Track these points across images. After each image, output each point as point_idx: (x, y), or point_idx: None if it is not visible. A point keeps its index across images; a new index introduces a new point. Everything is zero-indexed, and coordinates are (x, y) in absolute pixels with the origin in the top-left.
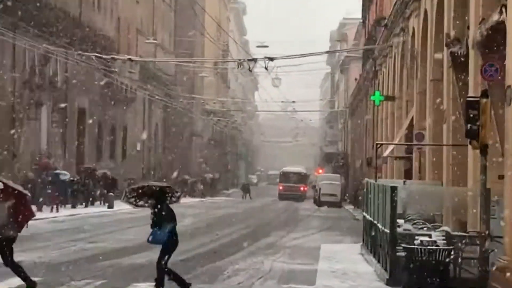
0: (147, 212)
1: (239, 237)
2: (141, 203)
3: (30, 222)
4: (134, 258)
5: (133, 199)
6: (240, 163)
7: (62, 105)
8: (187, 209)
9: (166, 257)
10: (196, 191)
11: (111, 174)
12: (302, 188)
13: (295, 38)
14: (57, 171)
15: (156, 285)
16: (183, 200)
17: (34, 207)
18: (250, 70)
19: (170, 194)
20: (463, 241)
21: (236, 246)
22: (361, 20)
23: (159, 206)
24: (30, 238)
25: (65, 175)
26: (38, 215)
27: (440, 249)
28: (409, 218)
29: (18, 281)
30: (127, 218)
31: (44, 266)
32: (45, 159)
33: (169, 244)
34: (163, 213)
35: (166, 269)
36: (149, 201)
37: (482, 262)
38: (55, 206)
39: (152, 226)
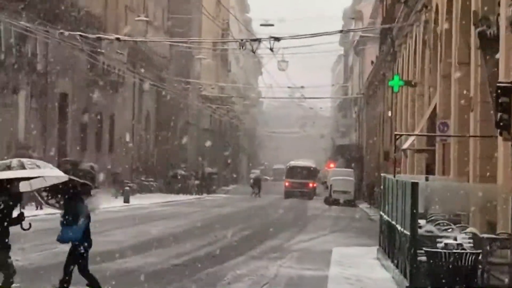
0: (135, 211)
1: (241, 239)
2: (52, 201)
3: None
4: (122, 263)
5: (46, 198)
6: (242, 156)
7: (42, 89)
8: (181, 208)
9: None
10: (189, 187)
11: (97, 168)
12: (311, 185)
13: (303, 16)
14: None
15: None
16: (177, 198)
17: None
18: (253, 51)
19: (82, 189)
20: (492, 244)
21: (237, 249)
22: None
23: (72, 202)
24: None
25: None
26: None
27: (466, 253)
28: (432, 218)
29: None
30: (114, 218)
31: (22, 271)
32: (24, 151)
33: (84, 243)
34: (78, 209)
35: (87, 272)
36: (60, 198)
37: None
38: (39, 204)
39: (63, 224)
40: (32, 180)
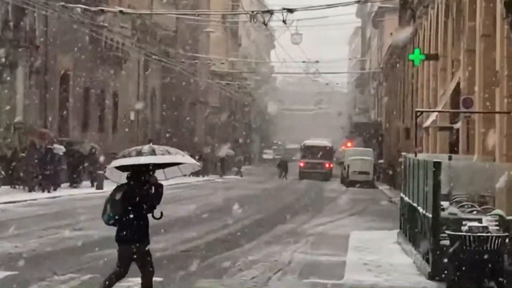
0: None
1: (253, 223)
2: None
3: (3, 206)
4: None
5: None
6: (254, 135)
7: (41, 66)
8: (190, 191)
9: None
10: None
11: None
12: (327, 165)
13: None
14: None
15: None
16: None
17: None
18: (265, 24)
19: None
20: None
21: (250, 234)
22: None
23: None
24: (4, 224)
25: (60, 149)
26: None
27: (492, 236)
28: (456, 200)
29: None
30: None
31: (22, 258)
32: (42, 129)
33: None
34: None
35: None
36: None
37: None
38: (51, 187)
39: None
40: (166, 169)
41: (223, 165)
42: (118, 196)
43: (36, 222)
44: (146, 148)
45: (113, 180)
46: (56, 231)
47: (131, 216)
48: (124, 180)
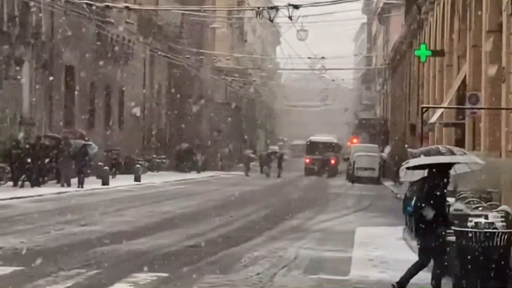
0: (147, 190)
1: (258, 219)
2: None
3: (9, 202)
4: (133, 244)
5: None
6: (259, 131)
7: (47, 62)
8: (195, 187)
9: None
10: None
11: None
12: (332, 161)
13: None
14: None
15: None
16: (189, 176)
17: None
18: (271, 20)
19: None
20: None
21: (255, 230)
22: None
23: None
24: (11, 220)
25: (94, 148)
26: (24, 192)
27: (498, 232)
28: (461, 195)
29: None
30: (125, 197)
31: (27, 253)
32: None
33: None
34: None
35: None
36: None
37: None
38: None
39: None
40: (456, 166)
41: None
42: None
43: (41, 218)
44: (442, 148)
45: (406, 179)
46: (62, 226)
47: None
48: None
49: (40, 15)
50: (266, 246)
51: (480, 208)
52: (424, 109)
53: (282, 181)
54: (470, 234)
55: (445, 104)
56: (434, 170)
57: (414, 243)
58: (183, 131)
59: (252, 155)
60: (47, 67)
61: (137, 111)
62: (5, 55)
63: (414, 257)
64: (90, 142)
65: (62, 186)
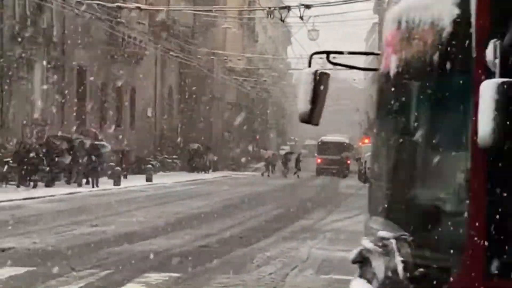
0: (159, 190)
1: (270, 219)
2: None
3: (20, 203)
4: (145, 245)
5: None
6: (271, 131)
7: (59, 63)
8: (207, 187)
9: None
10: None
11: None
12: (344, 161)
13: None
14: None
15: None
16: (201, 176)
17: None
18: (282, 20)
19: None
20: None
21: (267, 230)
22: None
23: None
24: (23, 221)
25: (107, 148)
26: (35, 193)
27: None
28: None
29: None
30: (136, 197)
31: (40, 254)
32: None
33: None
34: None
35: None
36: None
37: None
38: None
39: None
40: None
41: (268, 164)
42: None
43: (54, 218)
44: None
45: None
46: (74, 227)
47: None
48: None
49: (52, 15)
50: (278, 246)
51: None
52: None
53: (293, 182)
54: None
55: None
56: None
57: None
58: (195, 131)
59: (271, 155)
60: (59, 67)
61: (148, 111)
62: (17, 56)
63: None
64: (103, 142)
65: (80, 185)
